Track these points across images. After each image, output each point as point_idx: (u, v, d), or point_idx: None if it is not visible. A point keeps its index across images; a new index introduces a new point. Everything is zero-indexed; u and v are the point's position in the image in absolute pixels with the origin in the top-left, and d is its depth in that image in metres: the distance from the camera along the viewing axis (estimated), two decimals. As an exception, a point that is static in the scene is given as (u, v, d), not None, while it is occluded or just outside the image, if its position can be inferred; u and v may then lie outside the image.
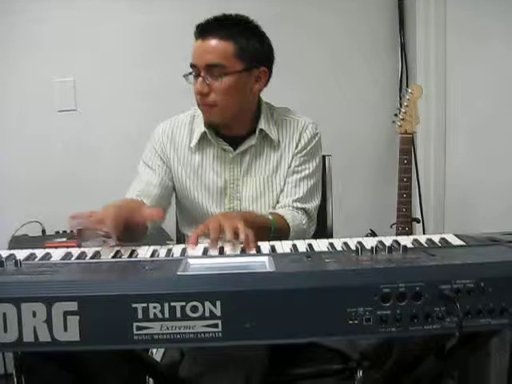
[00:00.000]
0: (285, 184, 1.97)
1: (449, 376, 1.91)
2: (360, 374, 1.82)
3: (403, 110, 2.55)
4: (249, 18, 1.90)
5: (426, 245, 1.45)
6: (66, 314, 1.11)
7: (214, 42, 1.80)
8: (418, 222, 2.73)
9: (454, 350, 1.49)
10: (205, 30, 1.83)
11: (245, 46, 1.82)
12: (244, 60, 1.82)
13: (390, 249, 1.31)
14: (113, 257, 1.43)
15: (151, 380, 1.74)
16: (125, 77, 2.92)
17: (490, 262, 1.26)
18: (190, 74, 1.85)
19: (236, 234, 1.51)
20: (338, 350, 1.83)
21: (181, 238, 2.13)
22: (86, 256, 1.43)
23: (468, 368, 1.89)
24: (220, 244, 1.50)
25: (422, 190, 2.96)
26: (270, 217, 1.85)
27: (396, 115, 2.59)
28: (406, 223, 2.53)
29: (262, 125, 1.93)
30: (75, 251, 1.47)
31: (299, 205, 1.94)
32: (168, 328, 1.12)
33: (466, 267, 1.23)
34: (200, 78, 1.82)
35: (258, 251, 1.45)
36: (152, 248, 1.49)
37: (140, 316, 1.11)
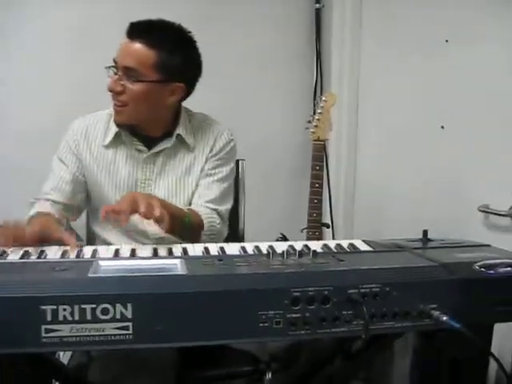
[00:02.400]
0: (197, 186, 1.98)
1: (355, 377, 1.97)
2: (269, 375, 1.85)
3: (317, 117, 2.58)
4: (185, 31, 1.90)
5: (335, 250, 1.49)
6: (-29, 315, 1.08)
7: (138, 47, 1.80)
8: (328, 227, 2.79)
9: (361, 352, 1.54)
10: (135, 31, 1.83)
11: (166, 60, 1.82)
12: (161, 72, 1.82)
13: (301, 253, 1.34)
14: (21, 257, 1.40)
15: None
16: (49, 70, 2.83)
17: (395, 267, 1.31)
18: (111, 67, 1.85)
19: (150, 211, 1.53)
20: (247, 352, 1.85)
21: (91, 237, 2.10)
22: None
23: (374, 370, 1.95)
24: (132, 246, 1.50)
25: (332, 195, 3.02)
26: (186, 210, 1.86)
27: (309, 122, 2.63)
28: (316, 228, 2.57)
29: (180, 130, 1.95)
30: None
31: (211, 206, 1.95)
32: (78, 330, 1.11)
33: (372, 272, 1.27)
34: (116, 76, 1.83)
35: (170, 253, 1.45)
36: (62, 248, 1.46)
37: (49, 318, 1.10)
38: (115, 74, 1.83)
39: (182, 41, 1.89)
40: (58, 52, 2.81)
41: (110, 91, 1.84)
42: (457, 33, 2.53)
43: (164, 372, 1.62)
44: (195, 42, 1.91)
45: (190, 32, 1.91)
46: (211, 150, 1.99)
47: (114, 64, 1.84)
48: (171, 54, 1.83)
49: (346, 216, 3.20)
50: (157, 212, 1.54)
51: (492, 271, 1.31)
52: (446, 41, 2.58)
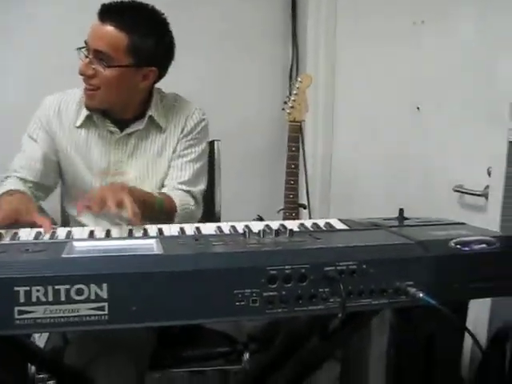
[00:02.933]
0: (169, 167, 1.96)
1: (333, 356, 1.98)
2: (247, 356, 1.86)
3: (292, 98, 2.58)
4: (158, 13, 1.85)
5: (311, 229, 1.48)
6: None
7: (109, 30, 1.76)
8: (305, 207, 2.79)
9: (337, 331, 1.54)
10: (106, 13, 1.78)
11: (138, 43, 1.78)
12: (133, 56, 1.79)
13: (277, 232, 1.33)
14: (-8, 239, 1.37)
15: (33, 367, 1.70)
16: (16, 47, 2.79)
17: (372, 245, 1.31)
18: (82, 48, 1.80)
19: (120, 207, 1.51)
20: (225, 334, 1.86)
21: (66, 219, 2.08)
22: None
23: (351, 348, 1.96)
24: (107, 227, 1.48)
25: (308, 176, 3.03)
26: (157, 195, 1.84)
27: (285, 103, 2.62)
28: (292, 209, 2.58)
29: (152, 112, 1.92)
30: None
31: (185, 187, 1.94)
32: (52, 312, 1.09)
33: (349, 250, 1.27)
34: (87, 59, 1.79)
35: (145, 233, 1.43)
36: (35, 230, 1.44)
37: (22, 300, 1.08)
38: (86, 56, 1.79)
39: (155, 24, 1.85)
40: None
41: (81, 74, 1.81)
42: (431, 14, 2.54)
43: (140, 352, 1.61)
44: (168, 24, 1.88)
45: (163, 14, 1.87)
46: (182, 131, 1.97)
47: (85, 46, 1.80)
48: (144, 37, 1.79)
49: (323, 197, 3.22)
50: (129, 213, 1.51)
51: (467, 248, 1.32)
52: (422, 22, 2.58)
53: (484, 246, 1.34)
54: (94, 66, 1.78)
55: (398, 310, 1.60)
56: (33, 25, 2.77)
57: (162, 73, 1.90)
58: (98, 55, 1.77)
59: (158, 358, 1.73)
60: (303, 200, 2.93)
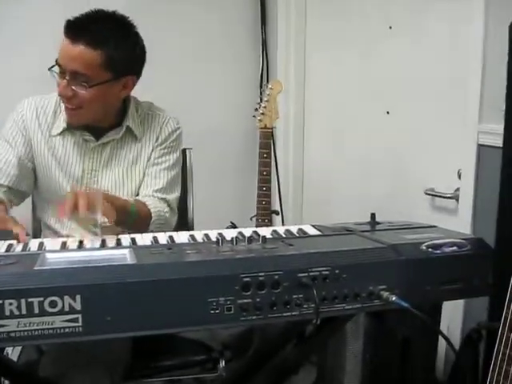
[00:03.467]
0: (144, 176, 1.95)
1: (308, 361, 1.99)
2: (223, 363, 1.86)
3: (263, 105, 2.59)
4: (123, 19, 1.81)
5: (284, 235, 1.49)
6: None
7: (81, 50, 1.70)
8: (278, 214, 2.80)
9: (313, 336, 1.55)
10: (74, 31, 1.72)
11: (114, 56, 1.74)
12: (111, 70, 1.75)
13: (250, 239, 1.33)
14: (-36, 252, 1.36)
15: (7, 382, 1.68)
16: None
17: (344, 250, 1.31)
18: (54, 67, 1.76)
19: (91, 209, 1.50)
20: (200, 342, 1.85)
21: (37, 226, 2.06)
22: None
23: (326, 353, 1.97)
24: (79, 238, 1.47)
25: (281, 183, 3.03)
26: (132, 201, 1.83)
27: (256, 110, 2.63)
28: (265, 215, 2.58)
29: (130, 122, 1.91)
30: None
31: (160, 195, 1.93)
32: (26, 325, 1.08)
33: (321, 255, 1.28)
34: (65, 81, 1.74)
35: (118, 243, 1.43)
36: (7, 242, 1.43)
37: (-5, 313, 1.07)
38: (63, 77, 1.74)
39: (124, 31, 1.81)
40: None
41: (61, 96, 1.77)
42: (400, 19, 2.57)
43: (116, 363, 1.60)
44: (135, 27, 1.84)
45: (127, 18, 1.83)
46: (157, 139, 1.96)
47: (57, 66, 1.75)
48: (117, 48, 1.75)
49: (295, 203, 3.23)
50: (100, 214, 1.50)
51: (438, 251, 1.34)
52: (390, 27, 2.61)
53: (455, 248, 1.36)
54: (73, 87, 1.74)
55: (373, 313, 1.62)
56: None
57: (138, 77, 1.89)
58: (75, 76, 1.72)
59: (134, 368, 1.72)
60: (276, 206, 2.94)
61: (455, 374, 1.84)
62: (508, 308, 1.45)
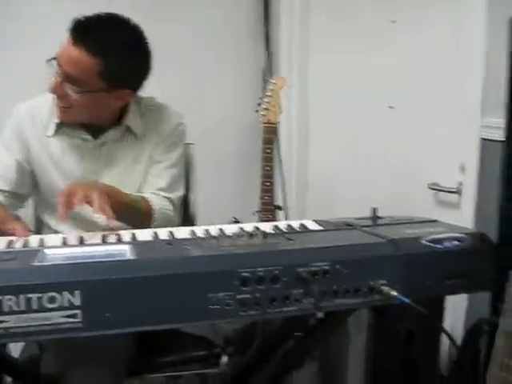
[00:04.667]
0: (146, 174, 1.92)
1: (311, 356, 1.99)
2: (225, 359, 1.85)
3: (266, 100, 2.58)
4: (134, 30, 1.76)
5: (285, 230, 1.48)
6: None
7: (80, 53, 1.67)
8: (281, 209, 2.79)
9: (314, 331, 1.55)
10: (79, 33, 1.68)
11: (113, 67, 1.70)
12: (107, 80, 1.71)
13: (251, 235, 1.33)
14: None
15: (9, 378, 1.68)
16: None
17: (345, 244, 1.32)
18: (54, 59, 1.73)
19: (87, 202, 1.50)
20: (202, 337, 1.85)
21: (39, 226, 2.06)
22: None
23: (329, 348, 1.97)
24: (79, 233, 1.47)
25: (284, 178, 3.03)
26: (135, 195, 1.82)
27: (259, 105, 2.62)
28: (268, 211, 2.58)
29: (130, 120, 1.88)
30: None
31: (163, 194, 1.90)
32: (24, 320, 1.08)
33: (322, 250, 1.28)
34: (58, 80, 1.72)
35: (119, 239, 1.42)
36: (7, 239, 1.43)
37: (-7, 310, 1.07)
38: (57, 75, 1.72)
39: (132, 45, 1.76)
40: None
41: (52, 93, 1.75)
42: (404, 14, 2.55)
43: (118, 359, 1.60)
44: (147, 43, 1.79)
45: (139, 29, 1.77)
46: (159, 136, 1.92)
47: (55, 61, 1.72)
48: (119, 61, 1.71)
49: (299, 198, 3.22)
50: (95, 207, 1.50)
51: (439, 245, 1.33)
52: (393, 21, 2.60)
53: (456, 242, 1.35)
54: (63, 87, 1.72)
55: (375, 308, 1.61)
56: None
57: (136, 91, 1.84)
58: (69, 79, 1.70)
59: (136, 364, 1.72)
60: (279, 202, 2.94)
61: (457, 369, 1.84)
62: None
